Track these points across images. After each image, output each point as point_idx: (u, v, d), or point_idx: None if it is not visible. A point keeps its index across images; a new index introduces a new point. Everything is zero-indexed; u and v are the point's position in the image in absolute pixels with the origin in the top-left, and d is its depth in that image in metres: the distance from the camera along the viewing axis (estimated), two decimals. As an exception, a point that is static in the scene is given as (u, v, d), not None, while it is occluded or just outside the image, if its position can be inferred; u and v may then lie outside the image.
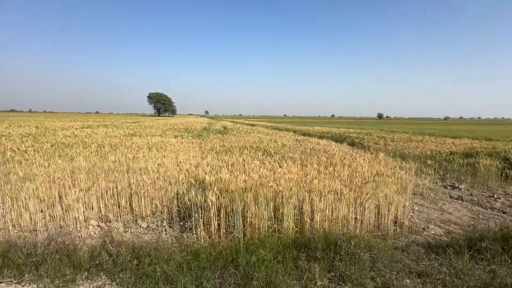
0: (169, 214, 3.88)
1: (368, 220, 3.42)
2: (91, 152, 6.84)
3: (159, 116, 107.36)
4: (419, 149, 8.76)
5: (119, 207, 3.93)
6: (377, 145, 10.48)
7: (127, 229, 3.59)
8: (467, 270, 2.16)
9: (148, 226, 3.67)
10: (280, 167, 4.77)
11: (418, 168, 6.55)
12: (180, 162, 5.24)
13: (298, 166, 4.98)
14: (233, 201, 3.08)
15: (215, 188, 3.06)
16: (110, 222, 3.76)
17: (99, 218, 3.87)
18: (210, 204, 2.99)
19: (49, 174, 4.21)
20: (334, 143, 9.33)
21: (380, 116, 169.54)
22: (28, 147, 6.81)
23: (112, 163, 5.21)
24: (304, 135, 14.00)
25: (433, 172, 6.13)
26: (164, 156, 6.36)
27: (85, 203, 3.74)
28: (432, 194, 5.40)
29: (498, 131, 20.96)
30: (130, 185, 4.09)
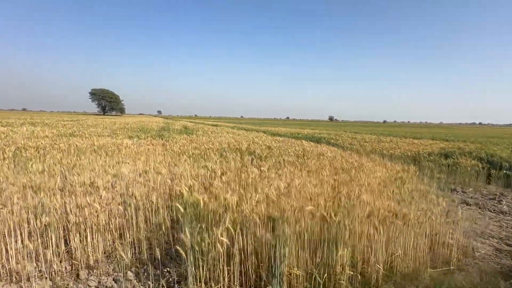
0: (135, 256, 2.46)
1: (423, 247, 2.58)
2: (4, 159, 4.77)
3: (104, 115, 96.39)
4: (398, 150, 8.66)
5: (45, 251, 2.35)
6: (353, 146, 10.21)
7: (60, 293, 2.08)
8: None
9: (99, 283, 2.21)
10: (279, 176, 3.71)
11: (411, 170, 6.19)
12: (145, 172, 3.76)
13: (304, 173, 3.99)
14: (256, 238, 1.90)
15: (227, 219, 1.81)
16: (27, 281, 2.17)
17: (7, 273, 2.24)
18: (221, 248, 1.74)
19: None
20: (315, 144, 8.67)
21: (331, 119, 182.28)
22: None
23: (37, 176, 3.47)
24: (275, 135, 13.21)
25: (443, 176, 5.78)
26: (119, 163, 4.74)
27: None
28: (440, 201, 4.96)
29: (438, 132, 23.49)
30: (67, 213, 2.54)
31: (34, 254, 2.35)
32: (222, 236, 1.74)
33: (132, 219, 2.53)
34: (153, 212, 2.59)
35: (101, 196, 2.76)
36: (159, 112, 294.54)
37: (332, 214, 1.95)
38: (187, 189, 2.80)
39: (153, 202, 2.58)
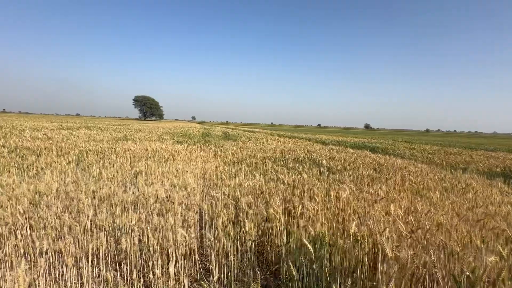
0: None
1: None
2: (69, 162, 4.75)
3: (145, 120, 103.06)
4: (480, 164, 7.30)
5: None
6: (417, 158, 8.97)
7: None
8: None
9: (187, 332, 1.73)
10: (378, 196, 3.00)
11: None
12: (215, 184, 3.33)
13: (401, 192, 3.23)
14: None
15: (393, 272, 1.20)
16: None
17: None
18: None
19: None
20: (381, 154, 7.69)
21: (367, 127, 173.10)
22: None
23: (105, 183, 3.24)
24: (322, 143, 12.33)
25: None
26: (178, 171, 4.42)
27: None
28: None
29: (495, 143, 20.38)
30: (144, 234, 2.14)
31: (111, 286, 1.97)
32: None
33: (219, 249, 2.04)
34: (246, 241, 2.08)
35: (176, 212, 2.35)
36: (193, 118, 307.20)
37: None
38: (278, 211, 2.26)
39: (244, 229, 2.06)
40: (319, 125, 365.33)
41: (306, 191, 2.92)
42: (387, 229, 1.79)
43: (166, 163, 5.11)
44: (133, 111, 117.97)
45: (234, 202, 2.55)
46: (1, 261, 1.76)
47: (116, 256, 2.05)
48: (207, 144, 8.35)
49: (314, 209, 2.31)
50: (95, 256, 1.95)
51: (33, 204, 2.42)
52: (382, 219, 2.14)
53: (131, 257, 1.98)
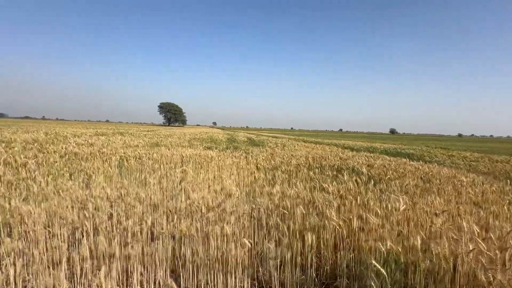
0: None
1: None
2: (112, 167, 4.99)
3: (169, 125, 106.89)
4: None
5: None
6: (458, 165, 8.36)
7: None
8: None
9: None
10: (437, 209, 2.80)
11: None
12: (260, 192, 3.30)
13: (462, 203, 2.99)
14: None
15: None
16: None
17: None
18: None
19: (50, 217, 2.32)
20: (408, 160, 7.28)
21: (392, 132, 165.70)
22: (29, 158, 5.01)
23: (151, 189, 3.35)
24: (352, 150, 11.93)
25: None
26: (215, 177, 4.48)
27: None
28: None
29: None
30: (207, 246, 2.15)
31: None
32: None
33: (278, 261, 1.99)
34: (307, 254, 2.01)
35: (229, 221, 2.35)
36: (214, 123, 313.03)
37: None
38: (339, 222, 2.17)
39: (303, 241, 2.00)
40: (340, 130, 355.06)
41: (359, 202, 2.80)
42: (473, 250, 1.64)
43: (201, 169, 5.21)
44: (157, 117, 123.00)
45: (286, 212, 2.50)
46: (75, 264, 1.85)
47: (176, 264, 2.07)
48: (236, 150, 8.41)
49: (375, 222, 2.19)
50: (157, 264, 1.99)
51: (96, 209, 2.54)
52: (452, 235, 1.98)
53: (192, 266, 1.99)
